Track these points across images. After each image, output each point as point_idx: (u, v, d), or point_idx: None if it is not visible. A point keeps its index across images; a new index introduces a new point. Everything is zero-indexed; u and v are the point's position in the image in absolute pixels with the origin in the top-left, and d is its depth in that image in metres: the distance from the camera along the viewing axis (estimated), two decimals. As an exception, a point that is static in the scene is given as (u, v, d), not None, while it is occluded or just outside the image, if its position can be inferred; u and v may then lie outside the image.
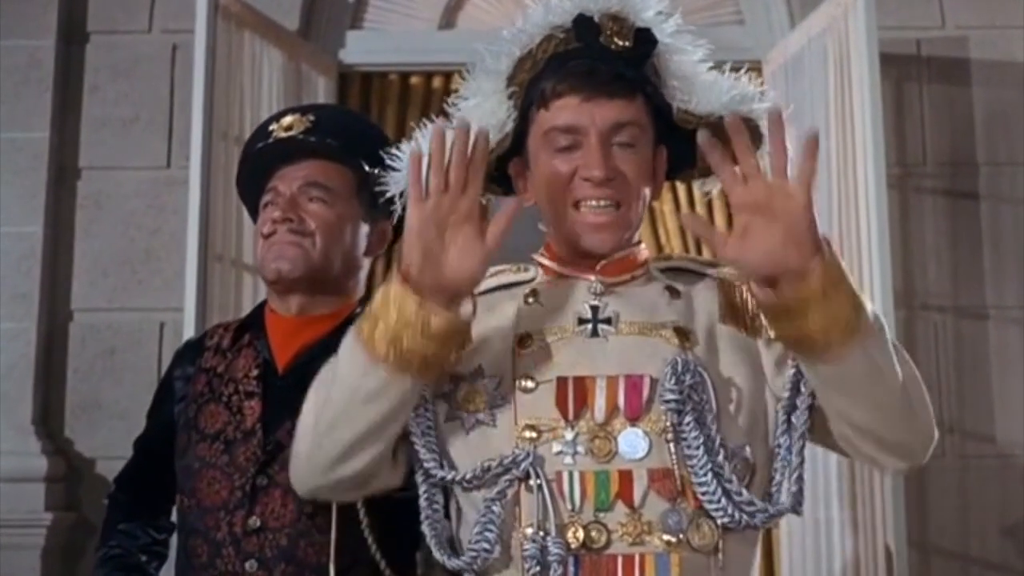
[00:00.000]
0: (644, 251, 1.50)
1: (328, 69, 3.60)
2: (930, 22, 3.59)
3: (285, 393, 1.63)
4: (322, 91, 3.54)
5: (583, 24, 1.41)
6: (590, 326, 1.40)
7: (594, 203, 1.39)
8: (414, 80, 3.73)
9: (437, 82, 3.70)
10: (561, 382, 1.36)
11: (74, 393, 3.45)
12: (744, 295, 1.42)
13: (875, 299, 2.97)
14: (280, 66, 3.38)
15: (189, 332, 2.98)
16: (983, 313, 3.48)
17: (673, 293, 1.44)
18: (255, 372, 1.71)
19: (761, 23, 3.68)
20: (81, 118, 3.57)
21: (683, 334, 1.38)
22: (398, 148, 1.47)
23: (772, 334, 1.35)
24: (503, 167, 1.50)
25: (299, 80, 3.45)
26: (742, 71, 1.47)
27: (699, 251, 3.67)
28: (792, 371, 1.36)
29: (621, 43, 1.41)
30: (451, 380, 1.40)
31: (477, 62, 1.48)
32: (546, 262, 1.49)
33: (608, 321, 1.40)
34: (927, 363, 3.41)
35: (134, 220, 3.53)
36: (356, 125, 1.84)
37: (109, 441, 3.34)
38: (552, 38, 1.43)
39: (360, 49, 3.70)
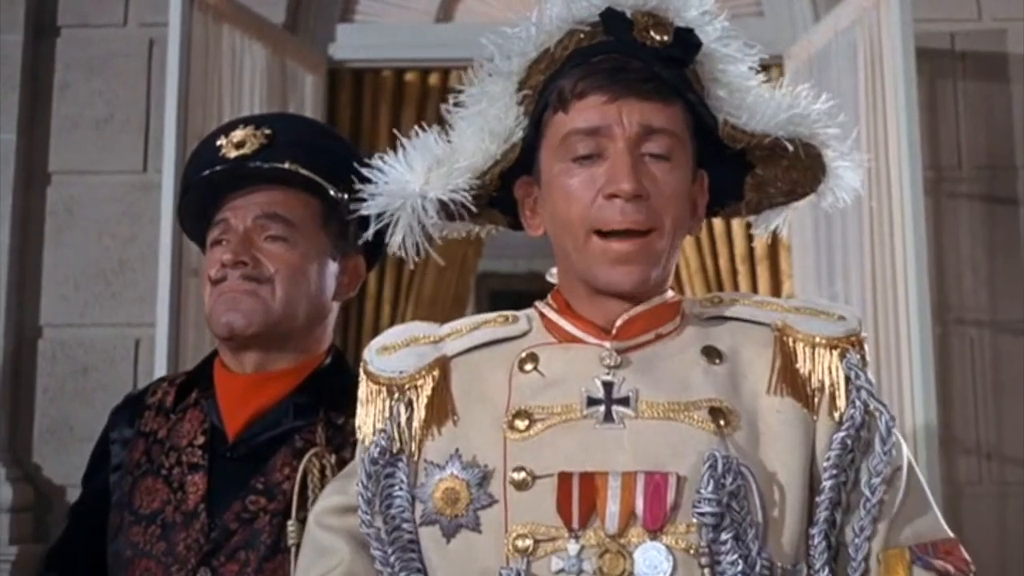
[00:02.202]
0: (674, 300, 1.23)
1: (316, 65, 3.38)
2: (965, 14, 3.36)
3: (235, 466, 1.39)
4: (310, 89, 3.33)
5: (613, 17, 1.18)
6: (602, 408, 1.12)
7: (616, 237, 1.13)
8: (409, 77, 3.55)
9: (434, 79, 3.53)
10: (564, 479, 1.08)
11: (43, 415, 3.25)
12: (807, 360, 1.15)
13: (911, 315, 2.78)
14: (263, 62, 3.15)
15: (162, 352, 2.80)
16: (1023, 328, 3.24)
17: (712, 356, 1.17)
18: (201, 440, 1.45)
19: (782, 15, 3.46)
20: (51, 118, 3.36)
21: (720, 416, 1.11)
22: (377, 160, 1.23)
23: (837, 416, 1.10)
24: (509, 188, 1.25)
25: (284, 78, 3.23)
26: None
27: (717, 280, 3.42)
28: (831, 482, 1.10)
29: (658, 37, 1.17)
30: (424, 471, 1.15)
31: (484, 62, 1.24)
32: (551, 315, 1.22)
33: (625, 401, 1.12)
34: (963, 382, 3.23)
35: (108, 228, 3.32)
36: (321, 141, 1.56)
37: (80, 467, 3.01)
38: (575, 33, 1.19)
39: (351, 43, 3.49)
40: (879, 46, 2.93)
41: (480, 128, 1.22)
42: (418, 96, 3.51)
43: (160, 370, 2.81)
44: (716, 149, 1.21)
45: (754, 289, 3.43)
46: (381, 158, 1.24)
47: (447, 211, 1.23)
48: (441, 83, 3.47)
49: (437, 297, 3.51)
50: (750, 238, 3.38)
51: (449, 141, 1.23)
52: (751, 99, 1.20)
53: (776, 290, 3.42)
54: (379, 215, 1.23)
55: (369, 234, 1.25)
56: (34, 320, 3.28)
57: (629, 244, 1.13)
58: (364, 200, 1.25)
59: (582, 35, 1.18)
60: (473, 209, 1.24)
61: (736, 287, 3.44)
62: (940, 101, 3.31)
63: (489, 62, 1.23)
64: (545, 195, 1.20)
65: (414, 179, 1.21)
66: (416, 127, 1.24)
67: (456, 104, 1.25)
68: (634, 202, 1.12)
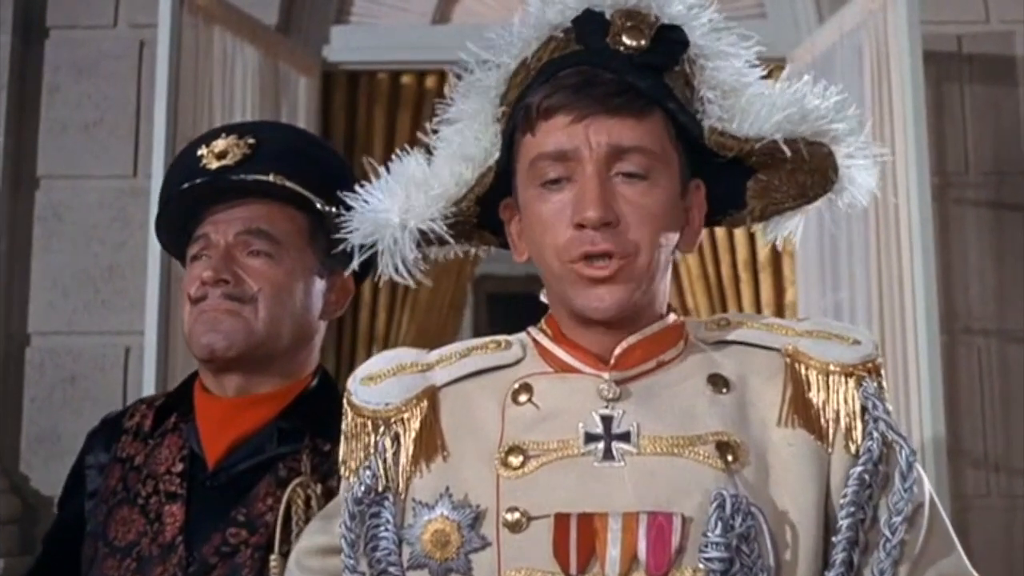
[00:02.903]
0: (676, 323, 1.15)
1: (310, 68, 3.32)
2: (972, 16, 3.29)
3: (215, 496, 1.32)
4: (303, 92, 3.26)
5: (587, 21, 1.10)
6: (601, 444, 1.05)
7: (591, 262, 1.06)
8: (405, 79, 3.48)
9: (430, 82, 3.46)
10: (561, 521, 1.01)
11: (31, 424, 3.19)
12: (821, 389, 1.08)
13: (918, 324, 2.71)
14: (256, 65, 3.09)
15: (151, 362, 2.73)
16: (1032, 337, 3.19)
17: (718, 385, 1.09)
18: (179, 467, 1.37)
19: (785, 17, 3.40)
20: (39, 122, 3.29)
21: (728, 450, 1.04)
22: (358, 188, 1.16)
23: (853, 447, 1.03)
24: (496, 208, 1.18)
25: (277, 80, 3.17)
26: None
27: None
28: (848, 520, 1.03)
29: (632, 43, 1.08)
30: (412, 510, 1.07)
31: (463, 75, 1.16)
32: (545, 342, 1.15)
33: (625, 437, 1.05)
34: (970, 392, 3.16)
35: (97, 234, 3.25)
36: (308, 150, 1.49)
37: (69, 478, 3.04)
38: (553, 41, 1.11)
39: (346, 45, 3.42)
40: (885, 49, 2.86)
41: (455, 151, 1.15)
42: (414, 99, 3.45)
43: (149, 379, 2.75)
44: (714, 154, 1.13)
45: (757, 296, 3.37)
46: (362, 185, 1.18)
47: (428, 239, 1.16)
48: (438, 86, 3.41)
49: (433, 304, 3.45)
50: (753, 244, 3.35)
51: (431, 163, 1.17)
52: (744, 101, 1.11)
53: (779, 298, 3.35)
54: (363, 245, 1.17)
55: (355, 264, 1.19)
56: (22, 327, 3.21)
57: (606, 268, 1.06)
58: (348, 224, 1.19)
59: (555, 44, 1.11)
60: (450, 241, 1.18)
61: (738, 294, 3.37)
62: (946, 105, 3.24)
63: (469, 75, 1.15)
64: (524, 220, 1.13)
65: (393, 208, 1.14)
66: (398, 151, 1.18)
67: (435, 127, 1.19)
68: (603, 230, 1.05)
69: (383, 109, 3.44)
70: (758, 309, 3.36)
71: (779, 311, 3.35)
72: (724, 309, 3.38)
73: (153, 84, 3.01)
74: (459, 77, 1.17)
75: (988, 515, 3.08)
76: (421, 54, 3.35)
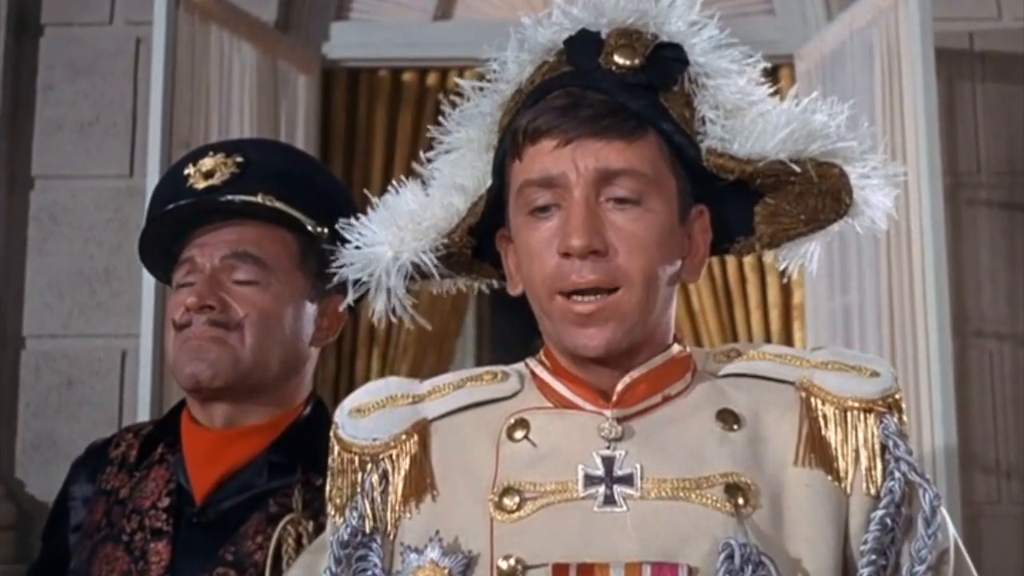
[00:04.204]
0: (683, 354, 1.09)
1: (309, 65, 3.27)
2: (985, 13, 3.23)
3: (202, 533, 1.27)
4: (303, 90, 3.22)
5: (580, 41, 1.05)
6: (602, 488, 0.99)
7: (579, 295, 1.01)
8: (407, 76, 3.44)
9: (432, 79, 3.42)
10: (560, 571, 0.95)
11: (26, 430, 3.15)
12: (838, 427, 1.02)
13: (929, 327, 2.67)
14: (254, 63, 3.04)
15: (147, 366, 2.68)
16: (1045, 341, 3.13)
17: (728, 421, 1.03)
18: (165, 502, 1.32)
19: (794, 13, 3.34)
20: (34, 121, 3.25)
21: (739, 493, 0.98)
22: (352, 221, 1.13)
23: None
24: (494, 240, 1.14)
25: (276, 79, 3.12)
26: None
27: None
28: (869, 568, 0.97)
29: (624, 62, 1.04)
30: (400, 555, 1.02)
31: (460, 103, 1.12)
32: (544, 375, 1.09)
33: (628, 480, 0.99)
34: (981, 398, 3.11)
35: (93, 235, 3.20)
36: (299, 170, 1.43)
37: (65, 483, 2.99)
38: (546, 64, 1.07)
39: (346, 42, 3.38)
40: (896, 46, 2.81)
41: (448, 181, 1.11)
42: (416, 97, 3.41)
43: (146, 383, 2.71)
44: (717, 178, 1.07)
45: (763, 298, 3.32)
46: (357, 218, 1.14)
47: (423, 273, 1.12)
48: (439, 83, 3.37)
49: (435, 307, 3.39)
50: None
51: (428, 195, 1.13)
52: (748, 120, 1.06)
53: (786, 300, 3.30)
54: (356, 280, 1.14)
55: (350, 299, 1.16)
56: (16, 330, 3.17)
57: (592, 304, 1.01)
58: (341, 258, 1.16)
59: (547, 66, 1.06)
60: (436, 276, 1.13)
61: (744, 296, 3.33)
62: (958, 104, 3.19)
63: (467, 102, 1.11)
64: (516, 250, 1.09)
65: (388, 241, 1.10)
66: (395, 182, 1.14)
67: (431, 157, 1.14)
68: (591, 259, 1.00)
69: (384, 107, 3.40)
70: (765, 311, 3.31)
71: (786, 313, 3.30)
72: (730, 311, 3.34)
73: (150, 82, 2.96)
74: (454, 105, 1.12)
75: (999, 523, 3.03)
76: (422, 51, 3.31)
